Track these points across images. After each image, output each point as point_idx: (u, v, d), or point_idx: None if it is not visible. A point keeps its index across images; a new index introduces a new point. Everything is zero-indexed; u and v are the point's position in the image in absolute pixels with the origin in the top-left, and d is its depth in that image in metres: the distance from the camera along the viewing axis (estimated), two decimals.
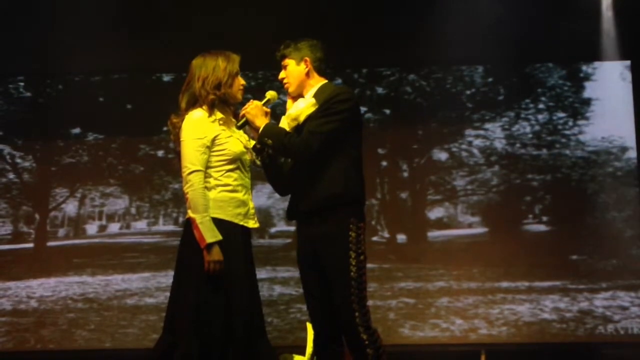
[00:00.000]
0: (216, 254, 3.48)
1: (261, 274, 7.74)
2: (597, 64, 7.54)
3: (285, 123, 3.77)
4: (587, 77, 7.61)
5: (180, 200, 7.52)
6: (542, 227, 7.47)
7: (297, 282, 7.37)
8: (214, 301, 3.50)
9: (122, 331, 7.22)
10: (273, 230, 7.57)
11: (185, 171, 3.56)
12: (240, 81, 3.75)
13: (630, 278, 7.23)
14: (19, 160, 7.75)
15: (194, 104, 3.65)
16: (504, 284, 7.28)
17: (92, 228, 7.66)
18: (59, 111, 7.68)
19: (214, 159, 3.61)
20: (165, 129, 7.43)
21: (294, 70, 3.85)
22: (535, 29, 7.12)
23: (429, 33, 6.95)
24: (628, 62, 7.49)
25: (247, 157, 3.74)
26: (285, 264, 7.43)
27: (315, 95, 3.77)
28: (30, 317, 7.37)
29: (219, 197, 3.59)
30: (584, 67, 7.61)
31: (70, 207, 7.68)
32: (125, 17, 6.98)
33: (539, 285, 7.25)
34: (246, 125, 3.78)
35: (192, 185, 3.54)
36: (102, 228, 7.66)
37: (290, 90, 3.87)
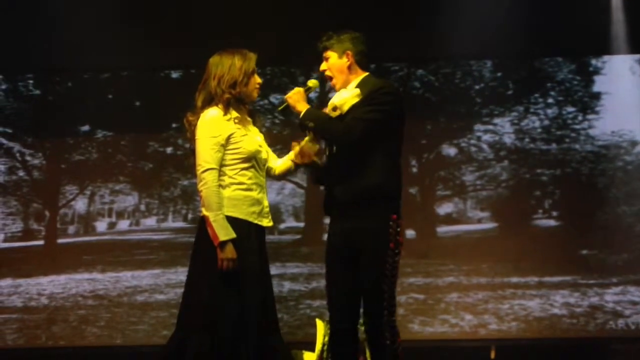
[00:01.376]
0: (229, 252, 3.49)
1: (271, 270, 7.76)
2: (606, 57, 7.51)
3: (328, 111, 3.80)
4: (597, 71, 7.58)
5: (189, 196, 7.53)
6: (551, 222, 7.45)
7: (306, 278, 7.39)
8: (227, 298, 3.51)
9: (132, 328, 7.24)
10: (282, 226, 7.58)
11: (199, 169, 3.56)
12: (257, 80, 3.75)
13: None
14: (28, 158, 7.77)
15: (209, 102, 3.66)
16: (514, 279, 7.26)
17: (101, 225, 7.68)
18: (68, 109, 7.70)
19: (228, 157, 3.61)
20: (174, 125, 7.55)
21: (336, 62, 3.87)
22: (544, 23, 7.09)
23: (437, 28, 6.94)
24: (638, 56, 7.46)
25: (262, 155, 3.75)
26: (294, 260, 7.43)
27: (359, 87, 3.78)
28: (41, 314, 7.40)
29: (234, 196, 3.60)
30: (594, 61, 7.58)
31: (80, 205, 7.70)
32: (134, 14, 6.98)
33: (549, 281, 7.23)
34: (287, 110, 3.83)
35: (206, 183, 3.54)
36: (112, 225, 7.68)
37: (332, 82, 3.89)
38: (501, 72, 7.64)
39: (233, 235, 3.51)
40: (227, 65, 3.67)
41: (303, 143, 3.88)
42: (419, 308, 7.08)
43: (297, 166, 3.96)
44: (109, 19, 6.92)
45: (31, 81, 7.87)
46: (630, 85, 7.45)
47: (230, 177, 3.61)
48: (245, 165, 3.64)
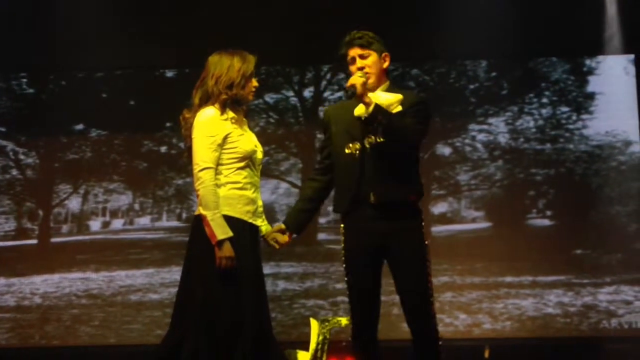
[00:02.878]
0: (227, 250, 3.49)
1: (265, 269, 7.65)
2: (600, 57, 7.52)
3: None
4: (591, 71, 7.59)
5: (183, 196, 7.52)
6: (546, 222, 7.46)
7: (300, 278, 7.39)
8: (223, 298, 3.50)
9: (126, 327, 7.23)
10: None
11: (196, 168, 3.56)
12: (254, 83, 3.74)
13: (634, 272, 7.22)
14: (22, 157, 7.75)
15: (206, 100, 3.65)
16: (508, 279, 7.27)
17: (95, 224, 7.67)
18: (62, 107, 7.68)
19: (224, 156, 3.61)
20: (168, 124, 7.54)
21: (377, 62, 3.80)
22: (538, 23, 7.10)
23: (432, 28, 6.94)
24: (632, 56, 7.47)
25: (257, 155, 3.74)
26: (289, 259, 7.43)
27: (398, 92, 3.76)
28: (34, 313, 7.38)
29: (229, 195, 3.60)
30: (588, 61, 7.60)
31: (74, 204, 7.69)
32: (128, 13, 6.98)
33: (543, 280, 7.24)
34: (352, 97, 3.63)
35: (203, 182, 3.54)
36: (106, 224, 7.67)
37: (371, 81, 3.75)
38: (496, 72, 7.65)
39: (230, 233, 3.51)
40: (226, 66, 3.66)
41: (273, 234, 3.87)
42: None
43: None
44: (103, 17, 6.91)
45: (25, 80, 7.85)
46: (624, 86, 7.46)
47: (225, 176, 3.61)
48: (241, 164, 3.64)
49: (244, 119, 3.75)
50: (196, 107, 3.66)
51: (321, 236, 7.52)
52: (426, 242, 3.73)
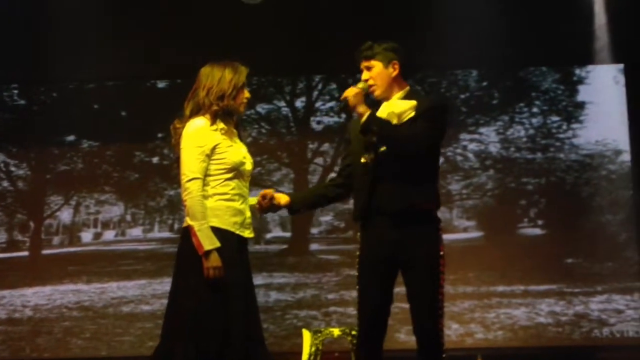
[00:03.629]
0: (214, 261, 3.47)
1: (257, 280, 7.71)
2: (590, 67, 7.57)
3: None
4: (581, 81, 7.63)
5: (175, 206, 7.51)
6: (537, 231, 7.48)
7: (292, 288, 7.38)
8: (212, 308, 3.49)
9: (118, 339, 7.20)
10: (269, 236, 7.57)
11: (184, 179, 3.54)
12: (245, 94, 3.72)
13: (626, 281, 7.24)
14: (13, 168, 7.73)
15: (197, 112, 3.63)
16: (500, 288, 7.28)
17: (87, 236, 7.65)
18: (54, 119, 7.67)
19: (213, 167, 3.60)
20: (160, 135, 7.54)
21: (381, 72, 3.77)
22: (528, 33, 7.14)
23: (423, 37, 6.96)
24: (621, 66, 7.52)
25: (246, 167, 3.72)
26: (281, 270, 7.42)
27: (409, 99, 3.73)
28: (25, 325, 7.35)
29: (216, 206, 3.58)
30: (578, 71, 7.64)
31: (65, 215, 7.67)
32: (119, 25, 6.97)
33: (535, 289, 7.25)
34: (345, 109, 3.69)
35: (191, 192, 3.53)
36: (97, 235, 7.65)
37: (377, 93, 3.76)
38: (486, 81, 7.69)
39: (218, 244, 3.49)
40: (217, 77, 3.64)
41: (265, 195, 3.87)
42: (406, 317, 6.99)
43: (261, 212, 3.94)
44: (95, 29, 6.91)
45: (16, 91, 7.85)
46: (614, 95, 7.50)
47: (213, 187, 3.60)
48: (229, 175, 3.62)
49: (235, 131, 3.73)
50: (187, 118, 3.65)
51: (313, 247, 7.52)
52: (440, 253, 3.71)
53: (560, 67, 7.63)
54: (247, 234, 3.69)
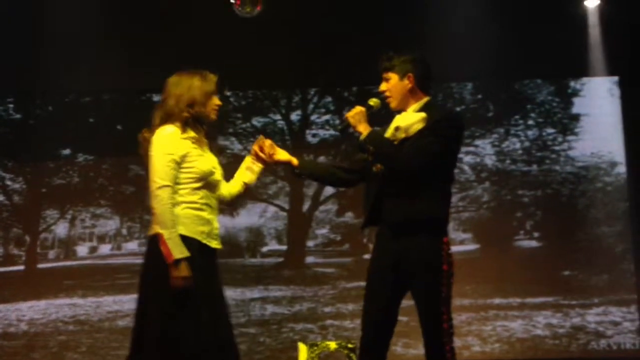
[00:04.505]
0: (183, 270, 3.42)
1: (253, 293, 7.78)
2: (585, 79, 7.59)
3: (391, 133, 3.73)
4: (576, 93, 7.65)
5: None
6: (533, 243, 7.48)
7: (289, 301, 7.36)
8: (181, 317, 3.44)
9: (113, 353, 7.17)
10: (265, 249, 7.56)
11: (154, 185, 3.51)
12: (216, 101, 3.71)
13: (622, 293, 7.24)
14: (9, 182, 7.72)
15: (167, 120, 3.60)
16: (497, 301, 7.27)
17: (82, 249, 7.63)
18: (49, 132, 7.67)
19: (182, 175, 3.56)
20: None
21: (397, 84, 3.80)
22: (523, 46, 7.16)
23: (418, 50, 6.97)
24: (616, 78, 7.54)
25: (216, 177, 3.70)
26: (277, 283, 7.41)
27: (424, 111, 3.74)
28: (20, 340, 7.32)
29: (183, 214, 3.54)
30: (573, 83, 7.66)
31: (61, 229, 7.65)
32: (116, 38, 6.98)
33: (532, 301, 7.25)
34: (347, 129, 3.77)
35: (161, 200, 3.49)
36: (93, 249, 7.63)
37: (393, 105, 3.81)
38: (482, 94, 7.71)
39: (187, 253, 3.44)
40: (187, 86, 3.65)
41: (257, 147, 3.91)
42: (402, 330, 6.99)
43: (246, 188, 3.92)
44: (91, 42, 6.92)
45: (11, 105, 7.84)
46: (609, 107, 7.52)
47: (181, 195, 3.55)
48: (198, 185, 3.58)
49: (205, 140, 3.69)
50: (156, 127, 3.62)
51: (309, 259, 7.51)
52: (443, 267, 3.67)
53: (555, 80, 7.66)
54: (215, 244, 3.64)
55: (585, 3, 7.26)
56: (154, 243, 3.50)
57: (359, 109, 3.73)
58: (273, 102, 7.76)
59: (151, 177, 3.52)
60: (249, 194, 3.89)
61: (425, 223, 3.66)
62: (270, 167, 4.08)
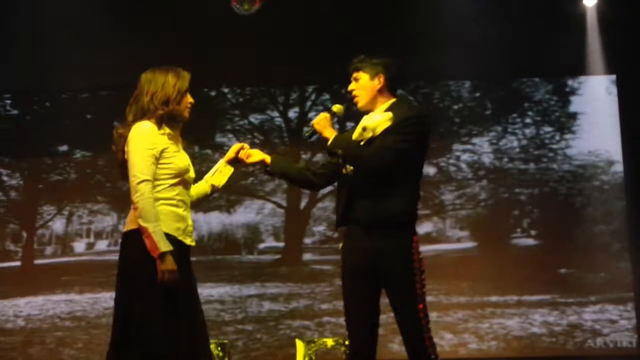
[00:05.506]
0: (170, 263, 3.40)
1: (250, 290, 7.78)
2: (583, 78, 7.60)
3: (358, 133, 3.77)
4: (573, 92, 7.66)
5: None
6: (530, 241, 7.48)
7: (286, 298, 7.36)
8: (160, 316, 3.42)
9: None
10: (262, 246, 7.56)
11: (134, 180, 3.48)
12: (189, 99, 3.71)
13: (619, 291, 7.25)
14: (6, 178, 7.71)
15: (141, 117, 3.60)
16: (493, 298, 7.28)
17: (80, 245, 7.63)
18: (46, 128, 7.67)
19: (159, 171, 3.54)
20: None
21: (366, 84, 3.87)
22: (521, 44, 7.17)
23: (416, 48, 6.98)
24: (613, 77, 7.55)
25: (190, 174, 3.69)
26: (274, 279, 7.41)
27: (391, 110, 3.79)
28: (17, 336, 7.32)
29: (160, 210, 3.51)
30: (570, 82, 7.66)
31: (58, 225, 7.64)
32: (111, 34, 6.97)
33: (528, 299, 7.26)
34: (314, 136, 3.85)
35: (143, 194, 3.46)
36: (90, 245, 7.63)
37: (360, 105, 3.88)
38: (479, 92, 7.71)
39: (171, 247, 3.43)
40: (161, 83, 3.67)
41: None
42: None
43: (213, 190, 3.94)
44: (87, 38, 6.91)
45: (9, 101, 7.83)
46: (606, 106, 7.53)
47: (158, 191, 3.53)
48: (174, 181, 3.57)
49: (180, 138, 3.69)
50: (130, 123, 3.61)
51: (306, 257, 7.52)
52: (414, 264, 3.71)
53: (552, 78, 7.66)
54: (189, 241, 3.63)
55: (584, 1, 7.25)
56: (132, 238, 3.48)
57: (323, 115, 3.83)
58: (271, 99, 7.76)
59: (131, 172, 3.50)
60: (216, 195, 3.89)
61: (395, 222, 3.72)
62: (243, 167, 4.10)
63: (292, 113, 7.77)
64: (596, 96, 7.57)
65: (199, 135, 7.16)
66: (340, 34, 7.00)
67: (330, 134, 3.77)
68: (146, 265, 3.41)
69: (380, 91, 3.85)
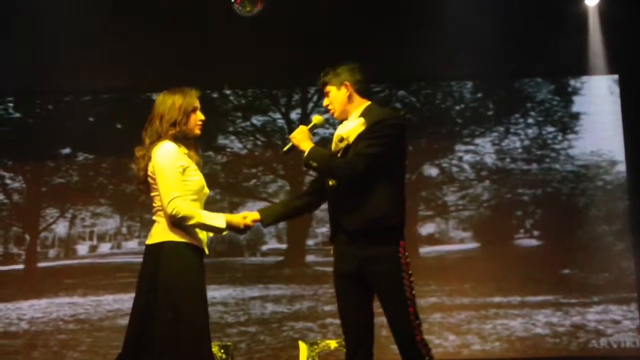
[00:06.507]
0: (235, 228, 3.84)
1: (253, 292, 7.78)
2: (585, 78, 7.59)
3: (335, 144, 3.86)
4: (576, 92, 7.65)
5: None
6: (533, 242, 7.48)
7: (289, 300, 7.36)
8: (193, 321, 3.59)
9: (114, 352, 7.12)
10: (265, 248, 7.56)
11: (169, 198, 3.65)
12: (198, 117, 3.86)
13: (622, 291, 7.24)
14: (8, 181, 7.72)
15: (157, 139, 3.78)
16: (497, 299, 7.27)
17: (82, 248, 7.63)
18: (49, 131, 7.67)
19: (184, 187, 3.73)
20: None
21: (336, 96, 3.94)
22: (523, 44, 7.16)
23: (418, 49, 6.98)
24: (616, 76, 7.54)
25: (205, 191, 3.87)
26: (277, 281, 7.41)
27: (363, 116, 3.83)
28: (20, 339, 7.32)
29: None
30: (573, 82, 7.66)
31: (61, 228, 7.65)
32: (114, 37, 6.98)
33: (532, 300, 7.25)
34: (292, 150, 3.92)
35: (179, 206, 3.64)
36: (93, 248, 7.63)
37: (336, 115, 3.96)
38: (481, 92, 7.70)
39: (224, 223, 3.72)
40: (168, 105, 3.83)
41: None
42: None
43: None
44: (90, 41, 6.91)
45: (11, 104, 7.84)
46: (609, 106, 7.52)
47: None
48: (194, 197, 3.76)
49: (195, 156, 3.87)
50: (147, 145, 3.79)
51: (309, 258, 7.52)
52: (403, 267, 3.70)
53: (555, 78, 7.66)
54: (206, 250, 3.82)
55: (586, 1, 7.25)
56: (162, 250, 3.65)
57: (301, 128, 3.90)
58: (273, 100, 7.76)
59: (163, 189, 3.69)
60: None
61: (379, 227, 3.73)
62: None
63: (295, 115, 7.76)
64: (598, 96, 7.56)
65: (201, 137, 7.15)
66: (342, 35, 7.00)
67: (306, 146, 3.82)
68: (179, 273, 3.61)
69: (350, 98, 3.91)
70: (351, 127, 3.80)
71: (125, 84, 7.48)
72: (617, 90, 7.54)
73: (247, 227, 3.98)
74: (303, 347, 5.58)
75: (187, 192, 3.71)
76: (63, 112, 7.75)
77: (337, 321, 3.94)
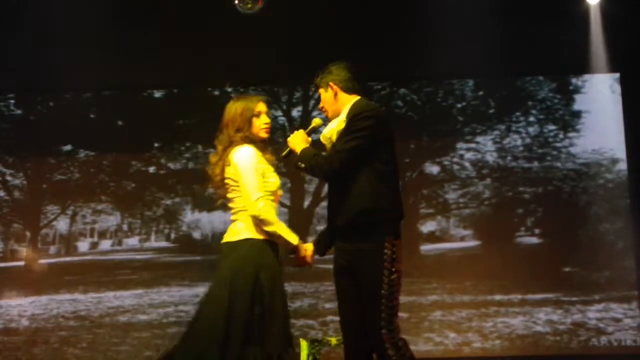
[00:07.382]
0: (303, 250, 4.01)
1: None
2: (586, 76, 7.59)
3: (324, 145, 3.97)
4: (577, 90, 7.65)
5: (172, 216, 7.50)
6: (534, 240, 7.48)
7: (290, 298, 7.33)
8: (277, 311, 3.87)
9: (114, 349, 7.18)
10: None
11: (252, 197, 3.84)
12: (263, 120, 4.02)
13: (623, 290, 7.24)
14: (9, 178, 7.72)
15: (229, 145, 3.95)
16: (497, 297, 7.28)
17: (83, 245, 7.63)
18: (50, 128, 7.67)
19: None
20: (157, 145, 7.52)
21: (325, 97, 4.02)
22: (525, 43, 7.16)
23: (419, 47, 6.98)
24: (617, 75, 7.54)
25: (279, 192, 4.06)
26: None
27: (347, 113, 3.88)
28: (21, 335, 7.33)
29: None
30: (574, 80, 7.65)
31: (62, 225, 7.65)
32: (115, 34, 6.98)
33: (532, 298, 7.25)
34: (291, 154, 4.03)
35: (264, 207, 3.83)
36: (94, 245, 7.63)
37: (329, 116, 4.03)
38: (483, 90, 7.70)
39: (297, 237, 3.96)
40: (232, 113, 4.01)
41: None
42: (403, 326, 6.97)
43: None
44: (91, 39, 6.91)
45: (12, 101, 7.84)
46: (610, 104, 7.52)
47: None
48: (272, 197, 3.97)
49: (270, 157, 4.04)
50: (220, 152, 3.96)
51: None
52: (386, 264, 3.68)
53: (556, 77, 7.65)
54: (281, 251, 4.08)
55: (587, 0, 7.25)
56: (244, 246, 3.86)
57: (298, 132, 4.04)
58: (274, 98, 7.76)
59: (247, 190, 3.86)
60: None
61: (362, 224, 3.73)
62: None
63: (296, 112, 7.77)
64: (600, 94, 7.56)
65: (203, 134, 7.15)
66: (343, 33, 6.99)
67: (299, 148, 3.96)
68: (266, 269, 3.84)
69: (336, 97, 3.97)
70: (333, 126, 3.88)
71: (126, 81, 7.47)
72: (618, 88, 7.54)
73: (305, 261, 4.11)
74: (304, 344, 5.57)
75: (266, 192, 3.88)
76: (64, 109, 7.76)
77: (338, 318, 3.94)
